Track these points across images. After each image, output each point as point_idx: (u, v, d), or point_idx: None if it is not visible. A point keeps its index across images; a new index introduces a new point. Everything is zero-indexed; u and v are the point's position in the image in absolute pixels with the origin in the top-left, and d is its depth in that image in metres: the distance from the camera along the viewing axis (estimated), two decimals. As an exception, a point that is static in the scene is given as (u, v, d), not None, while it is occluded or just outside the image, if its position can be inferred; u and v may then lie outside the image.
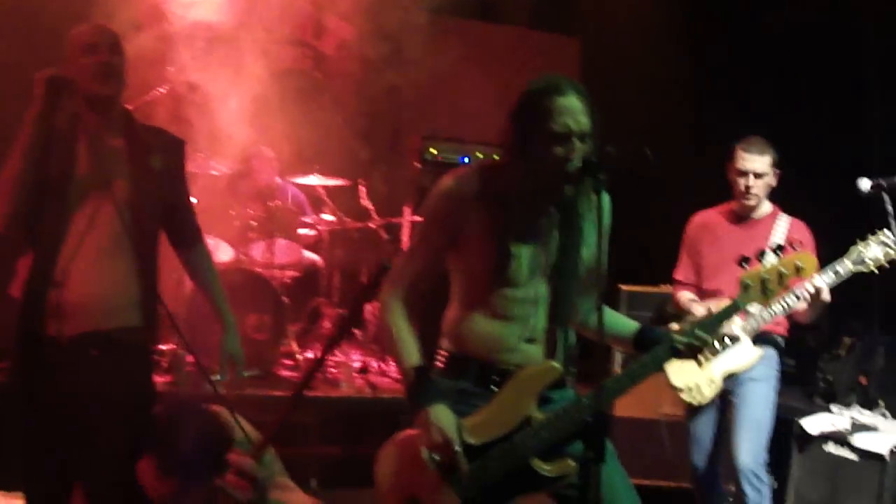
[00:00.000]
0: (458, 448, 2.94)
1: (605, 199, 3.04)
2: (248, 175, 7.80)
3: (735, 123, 7.40)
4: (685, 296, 4.83)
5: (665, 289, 6.27)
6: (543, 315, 3.08)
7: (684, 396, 4.75)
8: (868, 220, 4.65)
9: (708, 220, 4.89)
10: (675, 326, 3.20)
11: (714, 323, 3.13)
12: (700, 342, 3.08)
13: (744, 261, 3.23)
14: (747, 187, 4.65)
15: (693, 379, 4.70)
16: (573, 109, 2.89)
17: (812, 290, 4.30)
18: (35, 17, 6.21)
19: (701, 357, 4.39)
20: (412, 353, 3.05)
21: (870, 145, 6.70)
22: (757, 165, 4.64)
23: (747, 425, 4.62)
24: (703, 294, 4.78)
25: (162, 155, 3.34)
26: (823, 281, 4.29)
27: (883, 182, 4.29)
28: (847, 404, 5.99)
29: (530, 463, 3.01)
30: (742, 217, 4.79)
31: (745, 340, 4.61)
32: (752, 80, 7.65)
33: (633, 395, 5.86)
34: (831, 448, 5.55)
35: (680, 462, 5.96)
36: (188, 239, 3.56)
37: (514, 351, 3.06)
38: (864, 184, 4.35)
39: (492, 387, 3.06)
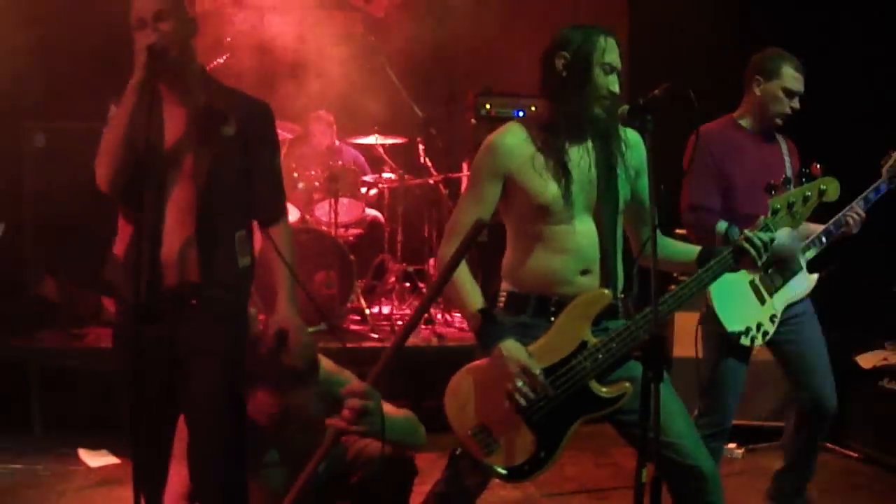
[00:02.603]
0: (537, 371, 3.16)
1: (637, 137, 3.39)
2: (308, 138, 8.05)
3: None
4: (723, 224, 4.33)
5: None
6: (596, 247, 3.31)
7: (744, 340, 4.38)
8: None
9: (725, 135, 4.48)
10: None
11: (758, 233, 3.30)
12: (767, 243, 3.27)
13: (771, 188, 3.41)
14: (792, 109, 4.45)
15: (754, 318, 4.43)
16: (616, 50, 3.28)
17: (858, 217, 4.47)
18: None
19: (764, 292, 4.44)
20: (476, 298, 3.28)
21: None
22: (803, 87, 4.47)
23: (823, 367, 4.49)
24: (740, 219, 4.27)
25: (239, 120, 3.37)
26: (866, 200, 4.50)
27: None
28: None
29: (588, 385, 3.25)
30: (756, 133, 4.51)
31: (803, 267, 4.55)
32: (800, 23, 7.68)
33: (684, 335, 6.14)
34: (886, 382, 5.71)
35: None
36: (263, 214, 3.49)
37: (570, 283, 3.29)
38: None
39: (550, 318, 3.30)
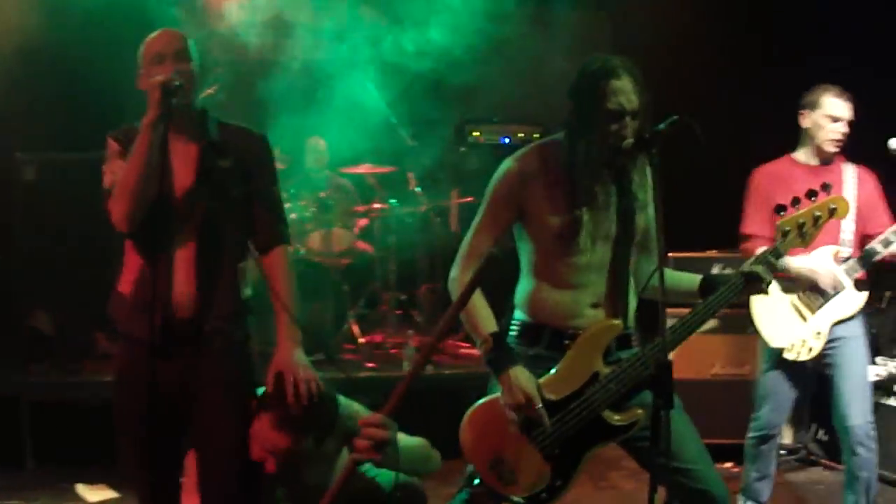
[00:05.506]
0: (539, 405, 3.21)
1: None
2: (300, 166, 8.06)
3: (764, 90, 7.58)
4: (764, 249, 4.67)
5: (710, 253, 6.49)
6: (605, 280, 3.35)
7: (789, 356, 4.72)
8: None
9: (778, 171, 4.86)
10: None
11: (765, 262, 3.33)
12: (767, 272, 3.30)
13: (780, 209, 3.41)
14: (843, 134, 4.71)
15: (798, 335, 4.72)
16: (626, 90, 3.18)
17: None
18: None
19: (805, 311, 4.68)
20: (488, 322, 3.31)
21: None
22: (850, 113, 4.71)
23: (855, 387, 4.70)
24: None
25: (236, 152, 3.38)
26: None
27: None
28: (892, 355, 6.15)
29: (601, 415, 3.28)
30: (813, 166, 4.80)
31: (849, 285, 4.67)
32: (781, 47, 7.79)
33: (685, 357, 6.21)
34: (878, 398, 5.76)
35: (729, 420, 6.23)
36: (261, 239, 3.49)
37: (581, 317, 3.33)
38: (894, 143, 4.54)
39: (565, 351, 3.33)
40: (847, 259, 4.69)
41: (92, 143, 4.67)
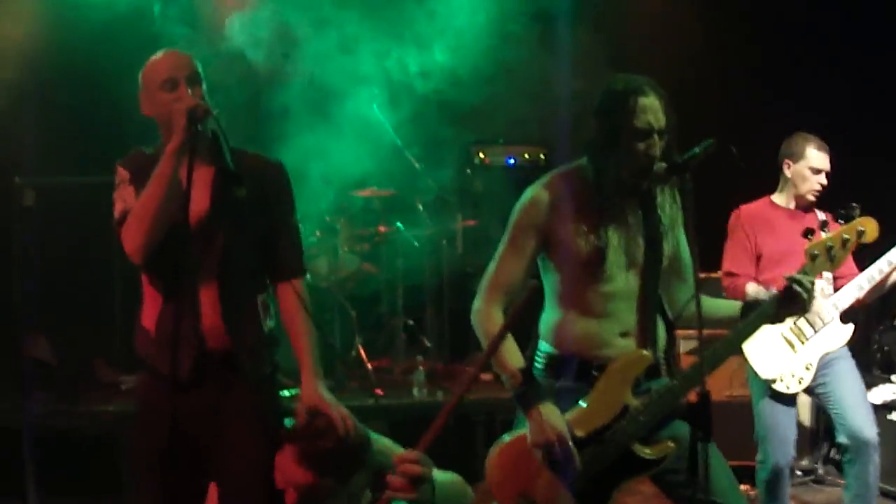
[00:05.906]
0: (571, 443, 3.12)
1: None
2: (304, 191, 7.98)
3: (760, 115, 7.58)
4: (753, 286, 4.75)
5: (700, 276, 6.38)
6: (635, 308, 3.26)
7: (778, 387, 4.73)
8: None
9: (760, 212, 4.97)
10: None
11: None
12: (809, 282, 3.19)
13: (808, 233, 3.40)
14: (822, 185, 4.82)
15: (787, 367, 4.73)
16: (654, 108, 3.13)
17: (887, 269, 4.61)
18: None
19: (795, 342, 4.68)
20: (517, 358, 3.24)
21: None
22: (828, 164, 4.82)
23: (859, 401, 4.74)
24: (763, 284, 4.79)
25: (253, 181, 3.27)
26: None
27: None
28: (908, 374, 6.16)
29: (632, 448, 3.19)
30: (792, 210, 4.92)
31: (836, 319, 4.72)
32: (774, 73, 7.78)
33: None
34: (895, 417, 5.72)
35: (745, 442, 6.16)
36: (281, 270, 3.41)
37: (610, 346, 3.25)
38: None
39: (593, 383, 3.24)
40: (831, 294, 4.77)
41: (91, 168, 4.60)
